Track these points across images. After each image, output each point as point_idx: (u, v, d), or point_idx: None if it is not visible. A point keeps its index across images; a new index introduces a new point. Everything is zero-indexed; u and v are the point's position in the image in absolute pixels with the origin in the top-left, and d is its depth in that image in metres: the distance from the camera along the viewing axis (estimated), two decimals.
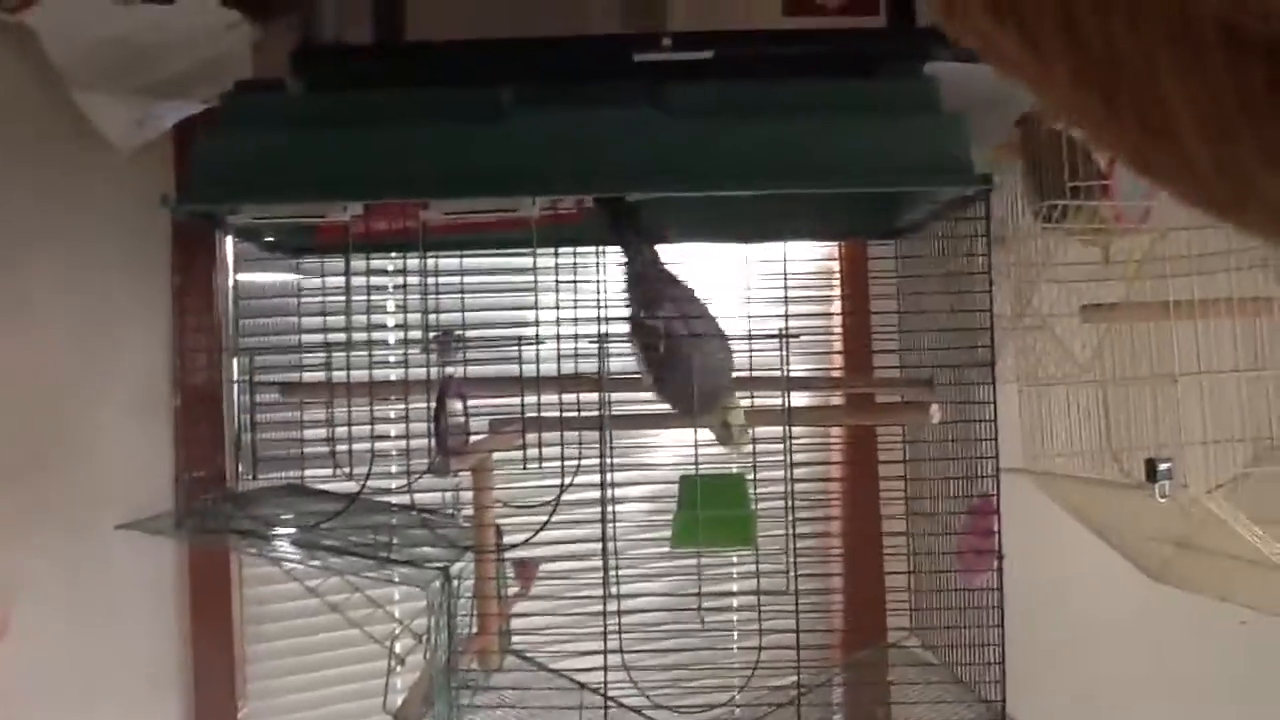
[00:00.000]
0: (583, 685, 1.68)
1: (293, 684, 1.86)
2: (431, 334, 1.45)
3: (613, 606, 1.43)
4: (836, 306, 1.98)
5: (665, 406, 1.50)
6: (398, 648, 1.64)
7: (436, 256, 1.51)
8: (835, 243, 1.90)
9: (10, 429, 1.63)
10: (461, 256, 1.59)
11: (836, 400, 1.77)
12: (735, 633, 1.97)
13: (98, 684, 1.69)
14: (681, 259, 1.76)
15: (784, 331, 1.29)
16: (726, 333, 1.35)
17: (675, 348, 1.34)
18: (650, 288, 1.38)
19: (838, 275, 1.95)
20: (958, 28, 0.24)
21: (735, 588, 2.04)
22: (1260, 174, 0.18)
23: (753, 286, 1.54)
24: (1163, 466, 1.25)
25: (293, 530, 1.40)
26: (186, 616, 1.73)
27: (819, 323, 2.04)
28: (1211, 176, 0.19)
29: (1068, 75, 0.21)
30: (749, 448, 1.37)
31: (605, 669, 1.47)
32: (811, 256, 2.05)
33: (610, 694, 1.49)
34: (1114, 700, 1.98)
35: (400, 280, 1.62)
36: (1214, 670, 1.75)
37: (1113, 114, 0.21)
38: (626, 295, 1.43)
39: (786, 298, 1.45)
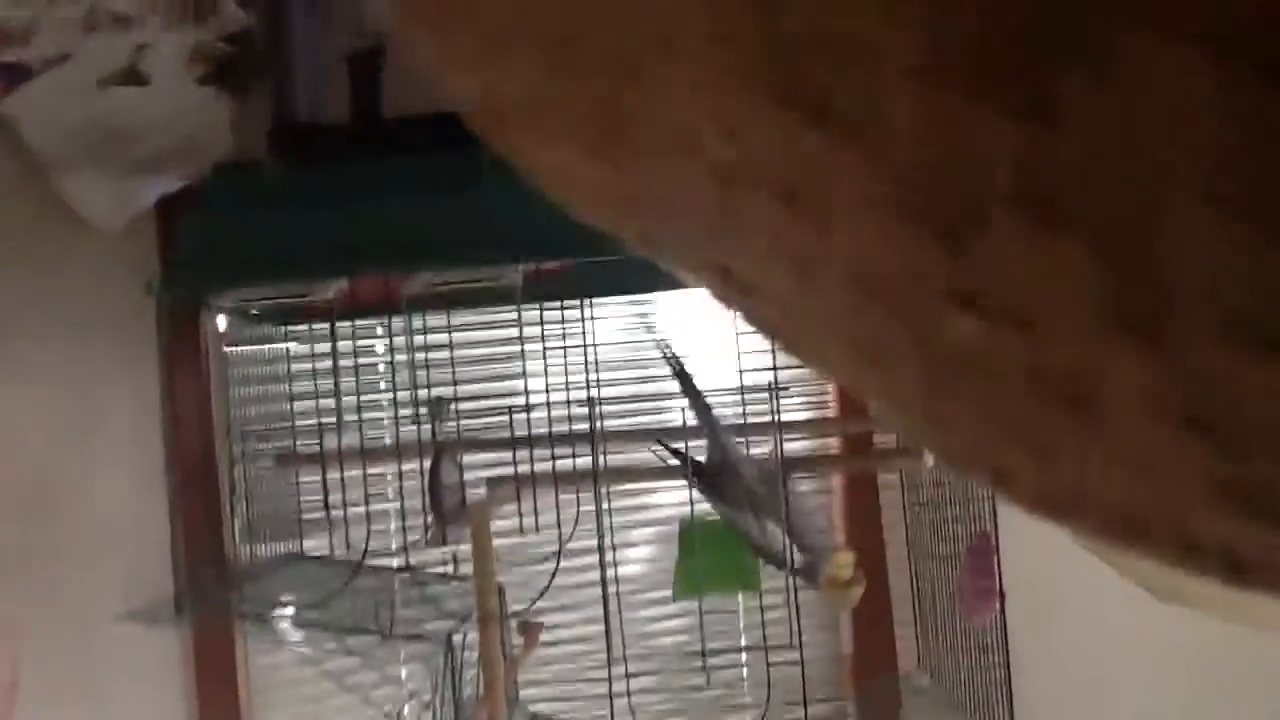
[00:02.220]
0: None
1: None
2: (423, 403, 1.45)
3: (619, 660, 1.42)
4: None
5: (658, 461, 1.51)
6: (405, 714, 1.64)
7: (423, 317, 1.51)
8: None
9: (5, 514, 1.62)
10: (449, 314, 1.59)
11: (834, 442, 1.77)
12: (745, 670, 1.97)
13: None
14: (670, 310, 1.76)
15: (774, 383, 1.29)
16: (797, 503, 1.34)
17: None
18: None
19: None
20: None
21: (742, 624, 2.04)
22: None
23: (742, 331, 1.54)
24: None
25: (293, 611, 1.39)
26: (193, 694, 1.73)
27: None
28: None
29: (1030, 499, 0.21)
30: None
31: None
32: None
33: None
34: None
35: (388, 344, 1.62)
36: (1229, 695, 1.75)
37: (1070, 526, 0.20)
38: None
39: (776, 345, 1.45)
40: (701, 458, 1.41)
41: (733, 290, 0.22)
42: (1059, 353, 0.16)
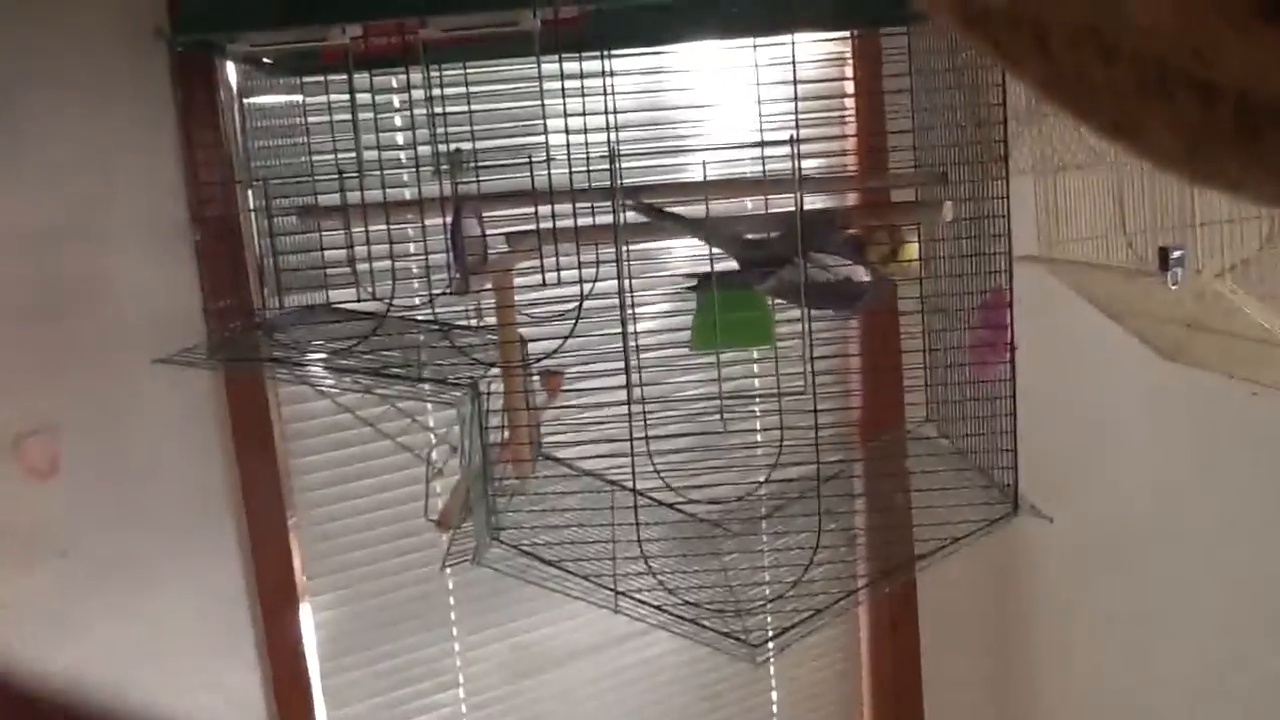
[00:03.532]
0: (613, 483, 1.76)
1: (337, 494, 1.95)
2: (442, 155, 1.44)
3: (637, 407, 1.47)
4: (850, 102, 1.94)
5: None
6: (434, 457, 1.71)
7: (440, 69, 1.49)
8: (847, 34, 1.85)
9: (31, 275, 1.64)
10: (465, 68, 1.56)
11: (852, 199, 1.77)
12: (758, 422, 2.04)
13: (151, 512, 1.77)
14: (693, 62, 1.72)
15: (795, 137, 1.28)
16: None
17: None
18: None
19: (850, 68, 1.90)
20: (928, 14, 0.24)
21: (756, 384, 2.09)
22: (1237, 172, 0.19)
23: (764, 85, 1.52)
24: (1175, 254, 1.26)
25: (323, 354, 1.44)
26: (229, 438, 1.80)
27: (832, 115, 2.01)
28: (1184, 168, 0.20)
29: (1037, 83, 0.21)
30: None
31: (633, 466, 1.53)
32: (823, 52, 1.99)
33: (639, 489, 1.56)
34: (1127, 482, 2.05)
35: (406, 97, 1.60)
36: (1225, 446, 1.80)
37: (1082, 116, 0.21)
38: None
39: (797, 96, 1.43)
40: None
41: None
42: None
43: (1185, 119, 0.19)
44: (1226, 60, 0.17)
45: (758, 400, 1.97)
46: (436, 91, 1.44)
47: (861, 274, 1.36)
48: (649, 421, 1.56)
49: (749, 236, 1.47)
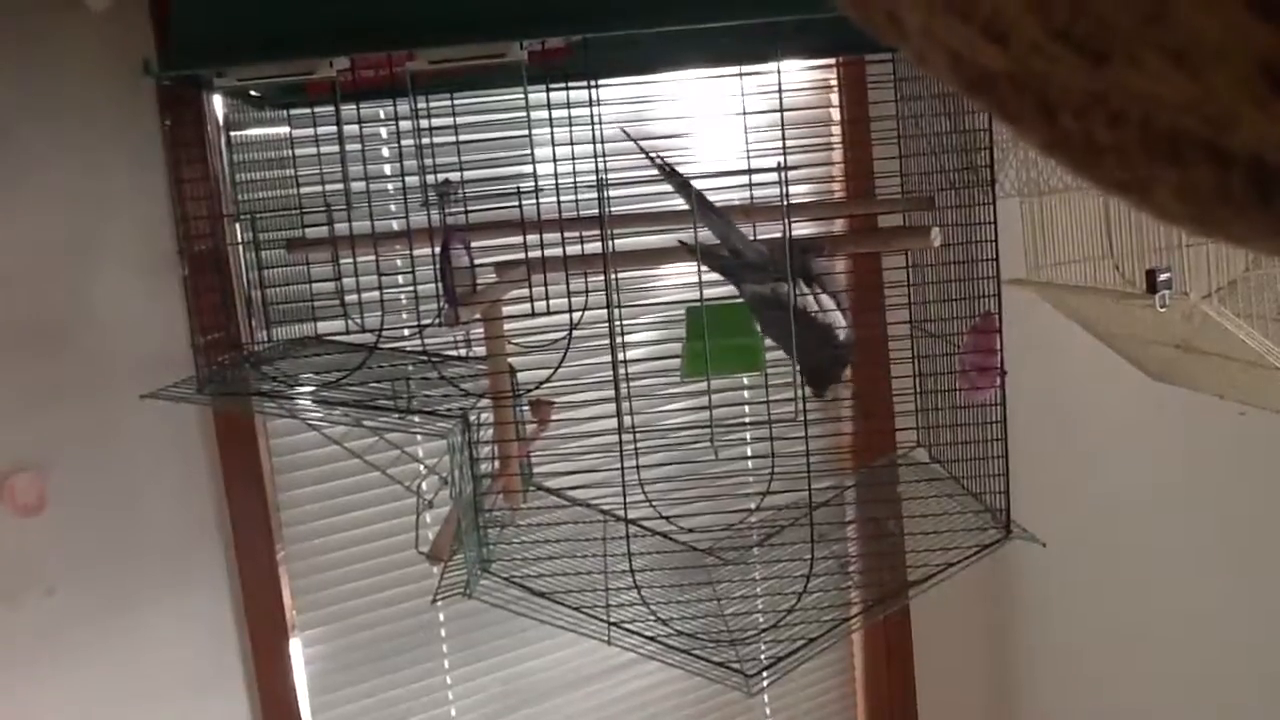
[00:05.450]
0: (605, 512, 1.75)
1: (326, 527, 1.94)
2: (430, 185, 1.44)
3: (628, 436, 1.47)
4: (836, 129, 1.95)
5: (668, 239, 1.51)
6: (424, 488, 1.71)
7: (427, 100, 1.49)
8: (832, 61, 1.86)
9: (19, 309, 1.64)
10: (453, 98, 1.57)
11: (840, 225, 1.77)
12: (749, 449, 2.04)
13: (139, 547, 1.76)
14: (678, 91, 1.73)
15: (782, 165, 1.28)
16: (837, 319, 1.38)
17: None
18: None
19: (836, 93, 1.91)
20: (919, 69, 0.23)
21: (747, 410, 2.09)
22: (1243, 230, 0.19)
23: (750, 112, 1.52)
24: (1163, 276, 1.26)
25: (312, 387, 1.43)
26: (218, 471, 1.79)
27: (819, 142, 2.02)
28: (1189, 225, 0.20)
29: (1041, 145, 0.21)
30: None
31: (624, 495, 1.52)
32: (809, 79, 2.00)
33: (630, 518, 1.55)
34: (1119, 504, 2.05)
35: (393, 128, 1.60)
36: (1215, 466, 1.80)
37: (1086, 174, 0.21)
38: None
39: (783, 124, 1.43)
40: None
41: None
42: None
43: (1195, 182, 0.18)
44: (1241, 129, 0.17)
45: (748, 427, 1.97)
46: (424, 123, 1.44)
47: (840, 321, 1.36)
48: (640, 450, 1.56)
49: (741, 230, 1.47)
